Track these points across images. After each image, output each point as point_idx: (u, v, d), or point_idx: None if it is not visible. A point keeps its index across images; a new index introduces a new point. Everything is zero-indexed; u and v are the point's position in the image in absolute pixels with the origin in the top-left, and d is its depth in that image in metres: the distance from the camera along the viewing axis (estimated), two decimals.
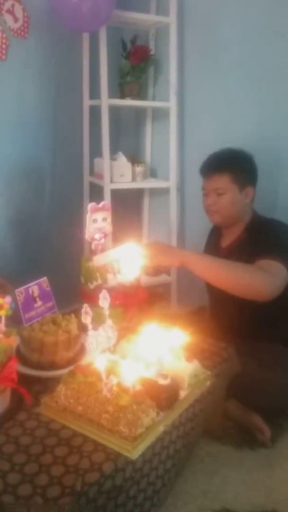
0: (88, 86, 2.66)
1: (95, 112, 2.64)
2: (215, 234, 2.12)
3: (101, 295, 1.38)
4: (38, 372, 1.38)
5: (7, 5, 2.25)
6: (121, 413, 1.15)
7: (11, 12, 2.27)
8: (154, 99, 2.86)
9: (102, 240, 1.70)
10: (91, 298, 1.51)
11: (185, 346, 1.44)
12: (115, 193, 2.58)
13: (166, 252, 1.69)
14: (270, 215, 2.02)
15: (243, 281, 1.63)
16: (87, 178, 2.78)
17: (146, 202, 3.04)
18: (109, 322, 1.40)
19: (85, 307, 1.32)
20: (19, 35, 2.33)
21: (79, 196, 2.78)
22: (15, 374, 1.22)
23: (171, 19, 2.57)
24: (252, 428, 1.78)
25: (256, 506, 1.50)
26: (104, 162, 2.52)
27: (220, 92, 2.52)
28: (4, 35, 2.27)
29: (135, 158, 2.75)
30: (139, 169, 2.70)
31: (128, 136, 2.99)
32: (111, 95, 2.51)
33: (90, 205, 1.65)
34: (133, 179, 2.69)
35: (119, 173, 2.61)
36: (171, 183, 2.72)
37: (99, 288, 1.54)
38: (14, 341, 1.30)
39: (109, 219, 1.71)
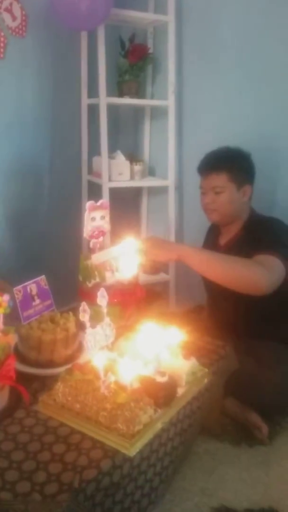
0: (86, 84, 2.67)
1: (93, 111, 2.64)
2: (213, 232, 2.12)
3: (99, 293, 1.38)
4: (36, 370, 1.38)
5: (5, 4, 2.25)
6: (119, 410, 1.16)
7: (9, 10, 2.27)
8: (152, 97, 2.86)
9: (101, 239, 1.71)
10: (89, 296, 1.51)
11: (183, 344, 1.44)
12: (114, 192, 2.58)
13: (163, 247, 1.69)
14: (268, 213, 2.03)
15: (239, 275, 1.64)
16: (85, 177, 2.78)
17: (144, 200, 3.04)
18: (107, 320, 1.40)
19: (83, 305, 1.32)
20: (17, 34, 2.33)
21: (78, 195, 2.78)
22: (13, 372, 1.22)
23: (169, 18, 2.57)
24: (250, 426, 1.79)
25: (253, 503, 1.50)
26: (103, 161, 2.53)
27: (218, 91, 2.52)
28: (2, 34, 2.27)
29: (133, 157, 2.76)
30: (137, 167, 2.70)
31: (126, 134, 3.00)
32: (110, 94, 2.51)
33: (89, 204, 1.65)
34: (132, 177, 2.69)
35: (117, 172, 2.61)
36: (170, 181, 2.73)
37: (97, 286, 1.54)
38: (12, 339, 1.30)
39: (107, 218, 1.71)
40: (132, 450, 1.12)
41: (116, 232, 1.89)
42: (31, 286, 1.45)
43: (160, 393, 1.23)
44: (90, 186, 2.76)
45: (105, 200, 1.96)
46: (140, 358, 1.33)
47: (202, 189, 1.97)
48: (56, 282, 1.59)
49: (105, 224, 1.71)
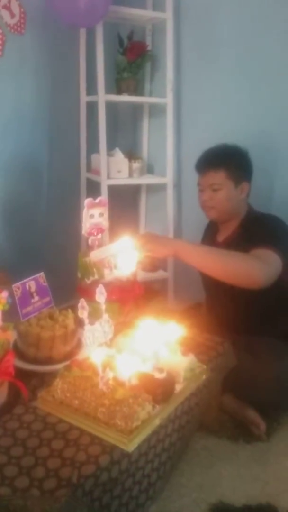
0: (85, 82, 2.67)
1: (92, 108, 2.64)
2: (211, 229, 2.13)
3: (97, 290, 1.39)
4: (35, 367, 1.39)
5: (4, 1, 2.25)
6: (117, 406, 1.16)
7: (7, 8, 2.27)
8: (151, 95, 2.86)
9: (99, 236, 1.71)
10: (88, 293, 1.52)
11: (181, 341, 1.45)
12: (112, 189, 2.58)
13: (158, 242, 1.70)
14: (266, 210, 2.03)
15: (236, 268, 1.64)
16: (84, 174, 2.78)
17: (143, 198, 3.05)
18: (105, 316, 1.41)
19: (82, 302, 1.32)
20: (15, 31, 2.33)
21: (76, 192, 2.78)
22: (12, 368, 1.23)
23: (168, 15, 2.57)
24: (248, 422, 1.80)
25: (251, 499, 1.51)
26: (101, 158, 2.53)
27: (216, 88, 2.52)
28: (1, 31, 2.26)
29: (132, 154, 2.76)
30: (136, 165, 2.70)
31: (125, 132, 3.00)
32: (108, 91, 2.52)
33: (87, 201, 1.65)
34: (130, 175, 2.69)
35: (116, 169, 2.62)
36: (168, 179, 2.73)
37: (95, 283, 1.55)
38: (11, 335, 1.31)
39: (106, 215, 1.72)
40: (130, 446, 1.12)
41: (114, 229, 1.90)
42: (30, 283, 1.45)
43: (158, 390, 1.24)
44: (89, 183, 2.77)
45: (103, 197, 1.97)
46: (138, 354, 1.34)
47: (200, 186, 1.97)
48: (55, 279, 1.59)
49: (104, 221, 1.71)
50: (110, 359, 1.29)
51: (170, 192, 2.74)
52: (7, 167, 2.47)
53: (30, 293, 1.43)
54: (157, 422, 1.21)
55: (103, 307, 1.40)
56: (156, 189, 2.93)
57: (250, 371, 1.76)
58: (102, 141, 2.50)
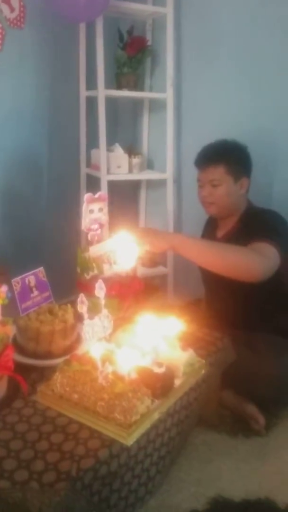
0: (84, 76, 2.66)
1: (91, 103, 2.63)
2: (211, 225, 2.13)
3: (97, 285, 1.39)
4: (35, 361, 1.39)
5: None
6: (116, 400, 1.17)
7: (7, 1, 2.26)
8: (151, 90, 2.85)
9: (99, 231, 1.71)
10: (87, 288, 1.52)
11: (181, 335, 1.45)
12: (112, 185, 2.58)
13: (157, 236, 1.69)
14: (265, 206, 2.02)
15: (234, 261, 1.64)
16: (83, 170, 2.78)
17: (143, 193, 3.04)
18: (105, 311, 1.41)
19: (81, 297, 1.32)
20: (15, 25, 2.32)
21: (76, 188, 2.78)
22: (12, 363, 1.23)
23: (168, 10, 2.56)
24: (247, 417, 1.80)
25: (250, 494, 1.51)
26: (101, 154, 2.52)
27: (217, 84, 2.51)
28: (0, 25, 2.26)
29: (132, 150, 2.75)
30: (136, 160, 2.70)
31: (125, 127, 2.99)
32: (108, 86, 2.51)
33: (87, 196, 1.65)
34: (130, 170, 2.69)
35: (116, 165, 2.61)
36: (168, 174, 2.72)
37: (95, 278, 1.55)
38: (11, 330, 1.31)
39: (105, 210, 1.72)
40: (129, 439, 1.13)
41: (114, 225, 1.90)
42: (30, 278, 1.45)
43: (158, 384, 1.24)
44: (89, 179, 2.76)
45: (103, 192, 1.97)
46: (137, 349, 1.34)
47: (200, 182, 1.97)
48: (54, 274, 1.59)
49: (103, 216, 1.72)
50: (110, 354, 1.30)
51: (170, 188, 2.73)
52: (7, 162, 2.47)
53: (30, 288, 1.43)
54: (156, 416, 1.22)
55: (103, 302, 1.40)
56: (156, 185, 2.92)
57: (249, 366, 1.76)
58: (102, 136, 2.50)
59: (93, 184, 2.66)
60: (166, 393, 1.27)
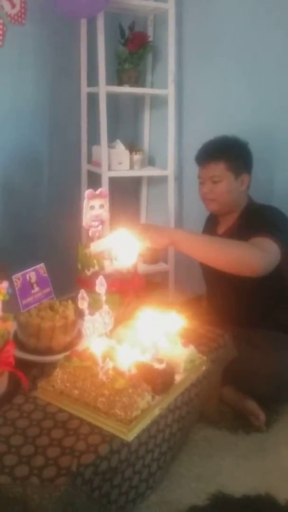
0: (85, 73, 2.65)
1: (93, 99, 2.63)
2: (212, 221, 2.13)
3: (97, 281, 1.39)
4: (35, 357, 1.39)
5: None
6: (117, 396, 1.17)
7: None
8: (152, 86, 2.85)
9: (100, 227, 1.71)
10: (88, 285, 1.52)
11: (182, 332, 1.45)
12: (113, 181, 2.58)
13: (156, 232, 1.69)
14: (266, 202, 2.02)
15: (234, 256, 1.64)
16: (85, 166, 2.77)
17: (144, 190, 3.04)
18: (105, 308, 1.41)
19: (82, 293, 1.32)
20: (16, 21, 2.32)
21: (77, 184, 2.78)
22: (12, 358, 1.23)
23: (170, 5, 2.55)
24: (247, 413, 1.80)
25: (250, 490, 1.51)
26: (102, 150, 2.52)
27: (218, 80, 2.51)
28: (1, 21, 2.25)
29: (133, 146, 2.75)
30: (137, 157, 2.70)
31: (126, 123, 2.99)
32: (109, 82, 2.50)
33: (88, 192, 1.65)
34: (131, 167, 2.68)
35: (117, 161, 2.61)
36: (169, 171, 2.72)
37: (96, 275, 1.55)
38: (11, 326, 1.31)
39: (106, 206, 1.71)
40: (130, 435, 1.13)
41: (116, 221, 1.89)
42: (30, 274, 1.45)
43: (158, 380, 1.24)
44: (90, 175, 2.76)
45: (104, 188, 1.96)
46: (138, 345, 1.34)
47: (200, 178, 1.97)
48: (55, 271, 1.59)
49: (104, 213, 1.71)
50: (110, 350, 1.30)
51: (171, 184, 2.73)
52: (8, 158, 2.46)
53: (31, 284, 1.43)
54: (156, 412, 1.22)
55: (103, 298, 1.40)
56: (157, 181, 2.92)
57: (250, 363, 1.76)
58: (103, 133, 2.50)
59: (94, 180, 2.66)
60: (167, 389, 1.27)
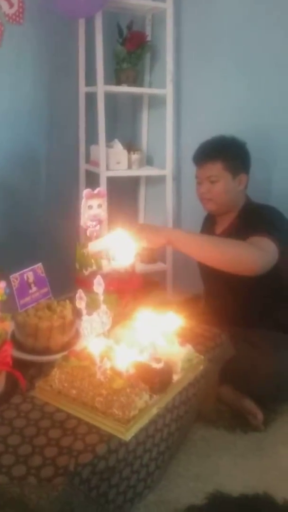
0: (83, 72, 2.65)
1: (91, 99, 2.63)
2: (210, 221, 2.13)
3: (95, 281, 1.39)
4: (33, 357, 1.39)
5: None
6: (114, 396, 1.17)
7: None
8: (150, 86, 2.85)
9: (97, 227, 1.71)
10: (86, 284, 1.52)
11: (179, 331, 1.45)
12: (111, 181, 2.58)
13: (152, 232, 1.69)
14: (264, 202, 2.02)
15: (231, 255, 1.64)
16: (83, 166, 2.77)
17: (142, 190, 3.04)
18: (103, 307, 1.41)
19: (79, 293, 1.32)
20: (14, 21, 2.31)
21: (75, 184, 2.77)
22: (10, 358, 1.24)
23: (168, 5, 2.55)
24: (245, 412, 1.81)
25: (248, 489, 1.52)
26: (100, 150, 2.52)
27: (216, 79, 2.51)
28: None
29: (131, 146, 2.75)
30: (135, 156, 2.70)
31: (124, 123, 2.99)
32: (107, 82, 2.50)
33: (86, 191, 1.65)
34: (129, 166, 2.68)
35: (115, 161, 2.61)
36: (167, 171, 2.72)
37: (93, 274, 1.55)
38: (9, 326, 1.31)
39: (104, 206, 1.71)
40: (128, 434, 1.13)
41: (114, 221, 1.89)
42: (28, 274, 1.46)
43: (156, 379, 1.24)
44: (88, 175, 2.76)
45: (102, 188, 1.96)
46: (136, 344, 1.34)
47: (198, 178, 1.97)
48: (53, 270, 1.59)
49: (102, 213, 1.71)
50: (108, 349, 1.30)
51: (169, 184, 2.73)
52: (5, 158, 2.46)
53: (28, 284, 1.44)
54: (154, 411, 1.22)
55: (101, 298, 1.40)
56: (155, 181, 2.92)
57: (248, 362, 1.76)
58: (101, 132, 2.49)
59: (92, 180, 2.66)
60: (164, 388, 1.27)
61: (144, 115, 2.92)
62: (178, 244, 1.68)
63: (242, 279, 1.65)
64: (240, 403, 1.81)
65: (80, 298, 1.32)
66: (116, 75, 2.64)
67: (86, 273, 1.64)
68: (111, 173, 2.58)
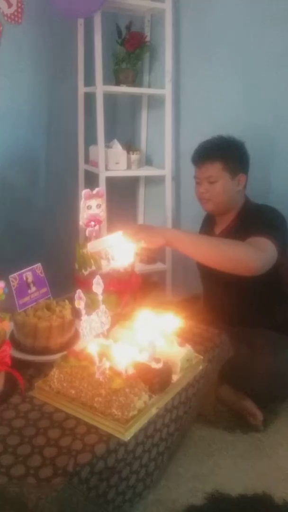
0: (83, 72, 2.65)
1: (90, 99, 2.63)
2: (209, 221, 2.13)
3: (94, 281, 1.39)
4: (32, 357, 1.39)
5: None
6: (113, 396, 1.17)
7: None
8: (149, 86, 2.85)
9: (96, 227, 1.71)
10: (85, 284, 1.52)
11: (178, 332, 1.45)
12: (111, 181, 2.58)
13: (151, 232, 1.69)
14: (263, 202, 2.02)
15: (230, 255, 1.63)
16: (82, 166, 2.77)
17: (141, 190, 3.04)
18: (102, 307, 1.41)
19: (79, 293, 1.32)
20: (12, 21, 2.31)
21: (74, 184, 2.77)
22: (9, 358, 1.23)
23: (167, 5, 2.55)
24: (245, 413, 1.81)
25: (247, 489, 1.52)
26: (99, 150, 2.52)
27: (215, 79, 2.51)
28: None
29: (130, 146, 2.75)
30: (134, 157, 2.69)
31: (123, 123, 2.98)
32: (106, 82, 2.50)
33: (84, 192, 1.65)
34: (128, 167, 2.68)
35: (114, 161, 2.61)
36: (167, 171, 2.72)
37: (93, 274, 1.54)
38: (8, 325, 1.31)
39: (103, 206, 1.71)
40: (127, 434, 1.13)
41: (113, 221, 1.90)
42: (27, 274, 1.45)
43: (155, 379, 1.24)
44: (87, 175, 2.76)
45: (101, 188, 1.96)
46: (135, 345, 1.34)
47: (197, 179, 1.97)
48: (52, 271, 1.59)
49: (101, 213, 1.71)
50: (107, 349, 1.30)
51: (168, 184, 2.73)
52: (5, 158, 2.46)
53: (27, 284, 1.43)
54: (153, 411, 1.22)
55: (100, 298, 1.40)
56: (154, 181, 2.92)
57: (247, 362, 1.76)
58: (100, 133, 2.49)
59: (91, 180, 2.65)
60: (164, 388, 1.27)
61: (143, 115, 2.92)
62: (176, 244, 1.68)
63: (241, 279, 1.65)
64: (239, 404, 1.82)
65: (79, 298, 1.32)
66: (115, 75, 2.64)
67: (85, 273, 1.64)
68: (110, 173, 2.58)
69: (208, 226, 2.12)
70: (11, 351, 1.28)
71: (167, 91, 2.64)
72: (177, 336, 1.44)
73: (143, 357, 1.29)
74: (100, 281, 1.39)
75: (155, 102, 2.83)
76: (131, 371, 1.24)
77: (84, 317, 1.34)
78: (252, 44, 2.32)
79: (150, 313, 1.49)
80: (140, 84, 2.80)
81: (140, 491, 1.27)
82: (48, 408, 1.21)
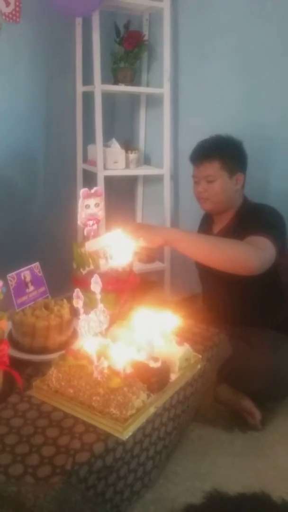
0: (81, 71, 2.65)
1: (88, 98, 2.63)
2: (207, 220, 2.13)
3: (92, 280, 1.38)
4: (30, 356, 1.39)
5: None
6: (112, 395, 1.17)
7: None
8: (147, 85, 2.85)
9: (95, 226, 1.71)
10: (84, 283, 1.51)
11: (177, 331, 1.45)
12: (109, 180, 2.58)
13: (149, 231, 1.69)
14: (261, 201, 2.02)
15: (228, 254, 1.63)
16: (80, 165, 2.77)
17: (140, 189, 3.04)
18: (101, 306, 1.41)
19: (77, 292, 1.32)
20: (10, 20, 2.31)
21: (72, 183, 2.77)
22: (7, 358, 1.23)
23: (165, 4, 2.55)
24: (243, 412, 1.81)
25: (245, 488, 1.52)
26: (98, 149, 2.52)
27: (214, 78, 2.51)
28: None
29: (128, 145, 2.75)
30: (132, 156, 2.70)
31: (121, 122, 2.98)
32: (105, 81, 2.50)
33: (83, 191, 1.65)
34: (127, 166, 2.68)
35: (112, 160, 2.61)
36: (165, 170, 2.72)
37: (91, 274, 1.54)
38: (6, 325, 1.31)
39: (101, 205, 1.71)
40: (125, 433, 1.13)
41: (111, 220, 1.89)
42: (25, 273, 1.45)
43: (153, 378, 1.24)
44: (85, 174, 2.76)
45: (99, 187, 1.96)
46: (133, 344, 1.34)
47: (195, 178, 1.97)
48: (50, 269, 1.59)
49: (99, 212, 1.71)
50: (105, 348, 1.29)
51: (167, 183, 2.73)
52: (3, 157, 2.46)
53: (25, 283, 1.43)
54: (151, 410, 1.22)
55: (99, 297, 1.40)
56: (153, 180, 2.92)
57: (245, 361, 1.76)
58: (98, 132, 2.49)
59: (89, 179, 2.65)
60: (162, 387, 1.27)
61: (142, 114, 2.92)
62: (175, 243, 1.68)
63: (239, 278, 1.65)
64: (238, 402, 1.82)
65: (78, 297, 1.32)
66: (114, 74, 2.64)
67: (83, 272, 1.64)
68: (108, 173, 2.58)
69: (206, 225, 2.12)
70: (9, 350, 1.28)
71: (165, 90, 2.64)
72: (175, 335, 1.44)
73: (141, 356, 1.29)
74: (98, 280, 1.39)
75: (154, 101, 2.83)
76: (129, 370, 1.24)
77: (82, 316, 1.34)
78: (250, 43, 2.32)
79: (149, 312, 1.49)
80: (138, 83, 2.80)
81: (138, 490, 1.27)
82: (46, 407, 1.21)
